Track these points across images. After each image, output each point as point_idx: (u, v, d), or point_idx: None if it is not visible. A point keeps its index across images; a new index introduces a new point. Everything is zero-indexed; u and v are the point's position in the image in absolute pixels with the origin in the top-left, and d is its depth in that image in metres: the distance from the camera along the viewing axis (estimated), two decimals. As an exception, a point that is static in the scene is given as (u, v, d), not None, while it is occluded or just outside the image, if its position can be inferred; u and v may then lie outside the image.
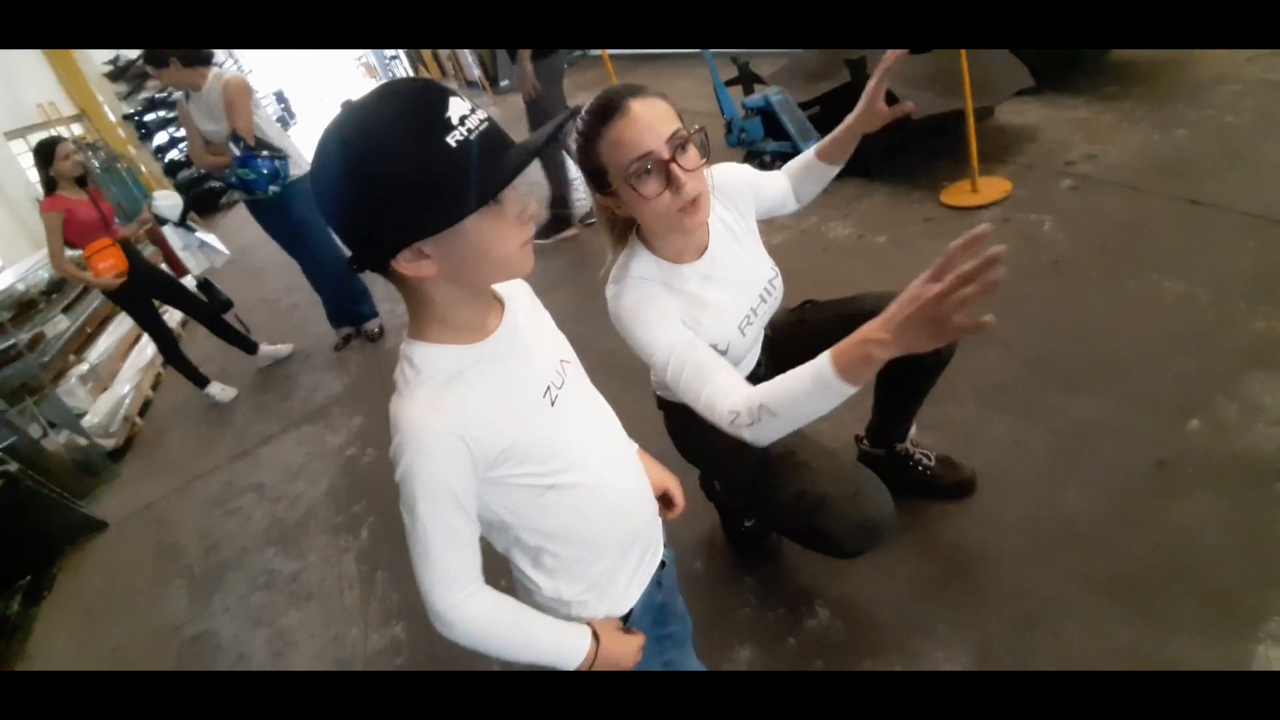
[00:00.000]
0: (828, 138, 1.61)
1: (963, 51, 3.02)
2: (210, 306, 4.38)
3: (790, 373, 1.14)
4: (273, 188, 3.75)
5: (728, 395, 1.24)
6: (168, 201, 4.05)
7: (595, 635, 1.07)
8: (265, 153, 3.70)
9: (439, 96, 0.82)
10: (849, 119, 1.54)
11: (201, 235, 4.21)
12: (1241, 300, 2.22)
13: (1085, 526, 1.76)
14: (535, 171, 4.55)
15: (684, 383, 1.29)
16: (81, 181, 3.87)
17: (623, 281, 1.39)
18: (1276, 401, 1.88)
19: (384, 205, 0.81)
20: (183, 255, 4.03)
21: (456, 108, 0.82)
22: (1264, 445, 1.78)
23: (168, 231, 4.02)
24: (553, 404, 1.02)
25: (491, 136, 0.84)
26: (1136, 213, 2.83)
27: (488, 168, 0.83)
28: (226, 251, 4.46)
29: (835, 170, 1.66)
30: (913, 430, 1.96)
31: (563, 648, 1.05)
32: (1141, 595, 1.58)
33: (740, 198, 1.56)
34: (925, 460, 1.95)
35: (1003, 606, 1.66)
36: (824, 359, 1.08)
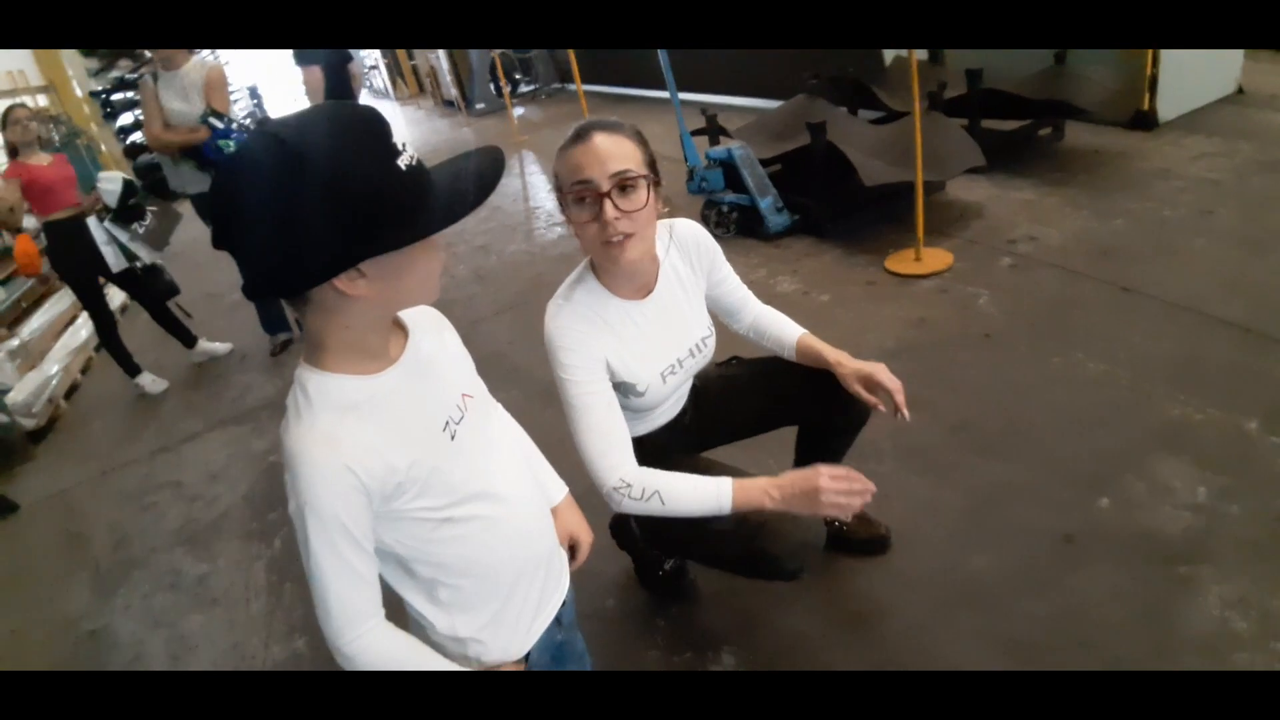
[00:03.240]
0: (816, 348, 1.67)
1: (918, 127, 3.13)
2: (156, 291, 4.26)
3: (692, 477, 1.37)
4: None
5: (623, 466, 1.38)
6: (109, 186, 3.91)
7: None
8: (235, 125, 3.70)
9: (385, 122, 0.85)
10: (835, 365, 1.62)
11: (131, 231, 4.04)
12: (1160, 385, 2.31)
13: (990, 589, 1.80)
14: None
15: (585, 430, 1.40)
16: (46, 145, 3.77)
17: (562, 305, 1.44)
18: (1184, 486, 1.94)
19: (343, 221, 0.80)
20: (105, 250, 3.88)
21: (398, 134, 0.84)
22: (1169, 527, 1.84)
23: (91, 224, 3.86)
24: (452, 438, 1.02)
25: (423, 165, 0.87)
26: (1069, 294, 2.94)
27: (445, 192, 0.87)
28: (156, 255, 4.29)
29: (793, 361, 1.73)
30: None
31: None
32: (1038, 660, 1.61)
33: (700, 258, 1.61)
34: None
35: (901, 661, 1.68)
36: (727, 485, 1.34)
